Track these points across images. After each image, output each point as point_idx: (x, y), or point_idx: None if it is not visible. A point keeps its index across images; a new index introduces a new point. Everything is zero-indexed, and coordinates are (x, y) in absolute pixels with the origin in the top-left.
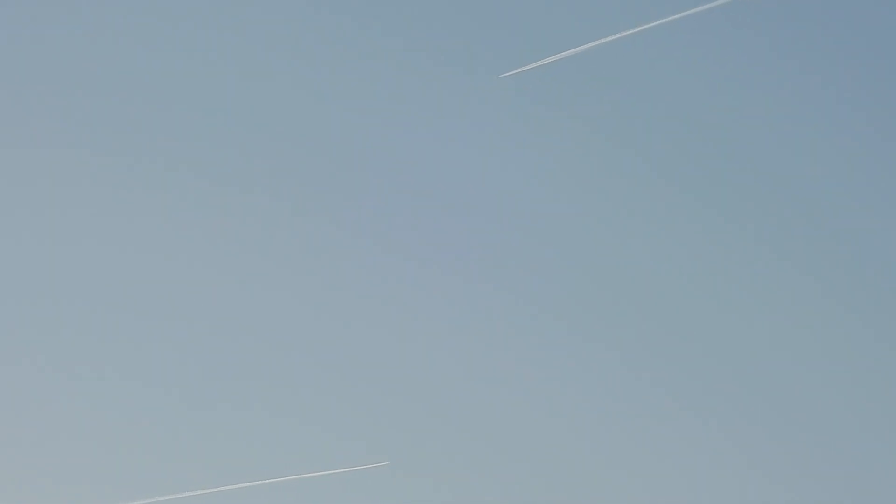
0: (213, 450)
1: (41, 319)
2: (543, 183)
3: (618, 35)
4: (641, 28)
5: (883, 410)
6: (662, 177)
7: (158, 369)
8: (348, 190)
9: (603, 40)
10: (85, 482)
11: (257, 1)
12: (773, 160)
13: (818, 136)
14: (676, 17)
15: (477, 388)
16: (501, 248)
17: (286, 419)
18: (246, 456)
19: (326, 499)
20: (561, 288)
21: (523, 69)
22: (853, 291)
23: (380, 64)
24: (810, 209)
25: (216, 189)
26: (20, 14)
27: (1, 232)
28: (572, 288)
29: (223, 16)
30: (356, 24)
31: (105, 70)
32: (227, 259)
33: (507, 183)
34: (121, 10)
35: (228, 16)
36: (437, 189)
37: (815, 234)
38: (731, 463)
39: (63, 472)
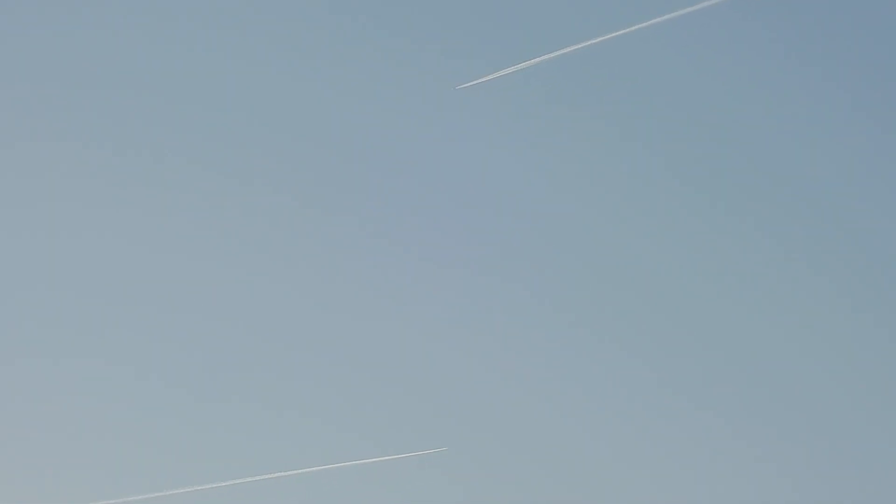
0: (272, 435)
1: (47, 314)
2: (514, 186)
3: (575, 46)
4: (601, 38)
5: (892, 407)
6: (635, 178)
7: (189, 360)
8: (346, 189)
9: (560, 52)
10: (112, 474)
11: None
12: (765, 153)
13: (821, 131)
14: (631, 29)
15: (530, 375)
16: (514, 245)
17: (347, 404)
18: (305, 442)
19: (386, 484)
20: (567, 286)
21: (479, 80)
22: (860, 288)
23: (354, 68)
24: (817, 205)
25: (220, 185)
26: (25, 13)
27: (10, 227)
28: (574, 286)
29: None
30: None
31: (111, 68)
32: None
33: (475, 186)
34: (127, 9)
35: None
36: (428, 189)
37: (822, 230)
38: (740, 460)
39: (74, 467)
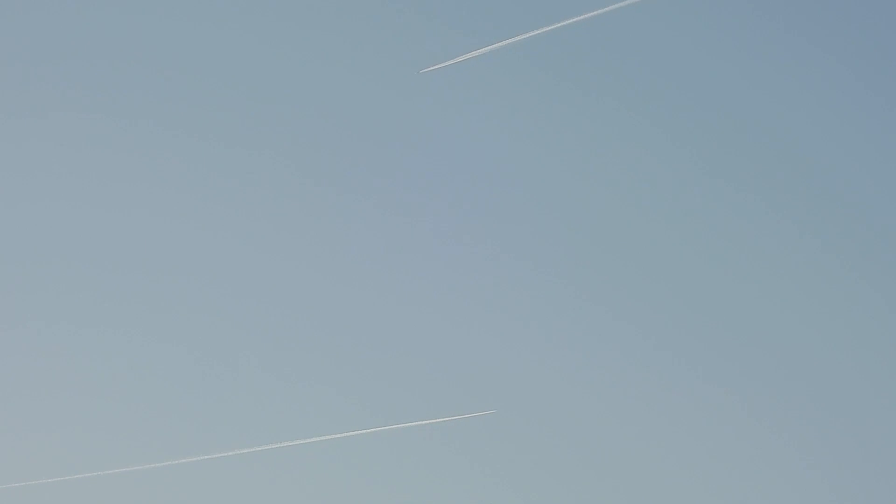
0: (330, 398)
1: (65, 284)
2: (479, 169)
3: (539, 30)
4: (566, 22)
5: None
6: (604, 158)
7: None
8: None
9: (523, 35)
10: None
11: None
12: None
13: (827, 105)
14: (595, 12)
15: (577, 341)
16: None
17: (396, 367)
18: (359, 405)
19: (434, 446)
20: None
21: (443, 65)
22: (868, 269)
23: (315, 52)
24: (823, 178)
25: (243, 166)
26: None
27: (35, 198)
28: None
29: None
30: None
31: (121, 65)
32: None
33: (442, 169)
34: (135, 8)
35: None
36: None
37: (830, 205)
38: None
39: (89, 436)
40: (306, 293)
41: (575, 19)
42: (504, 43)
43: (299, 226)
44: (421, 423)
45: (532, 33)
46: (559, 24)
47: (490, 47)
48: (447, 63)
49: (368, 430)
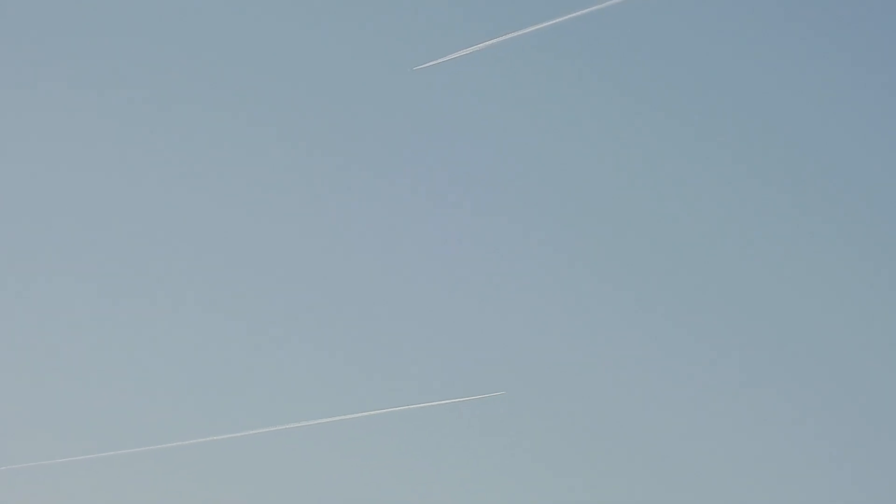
0: (334, 381)
1: (71, 267)
2: (473, 166)
3: (533, 27)
4: (561, 19)
5: None
6: (602, 154)
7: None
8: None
9: (518, 32)
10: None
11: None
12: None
13: (833, 90)
14: (590, 9)
15: (587, 321)
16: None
17: (406, 349)
18: (366, 386)
19: (443, 428)
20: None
21: (437, 62)
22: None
23: (308, 50)
24: (830, 170)
25: (234, 162)
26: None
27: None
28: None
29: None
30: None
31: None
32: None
33: (436, 167)
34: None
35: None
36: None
37: (828, 188)
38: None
39: (99, 416)
40: (315, 278)
41: (570, 16)
42: (499, 39)
43: (295, 220)
44: (430, 404)
45: (528, 30)
46: (555, 21)
47: (485, 44)
48: (441, 60)
49: (377, 412)
